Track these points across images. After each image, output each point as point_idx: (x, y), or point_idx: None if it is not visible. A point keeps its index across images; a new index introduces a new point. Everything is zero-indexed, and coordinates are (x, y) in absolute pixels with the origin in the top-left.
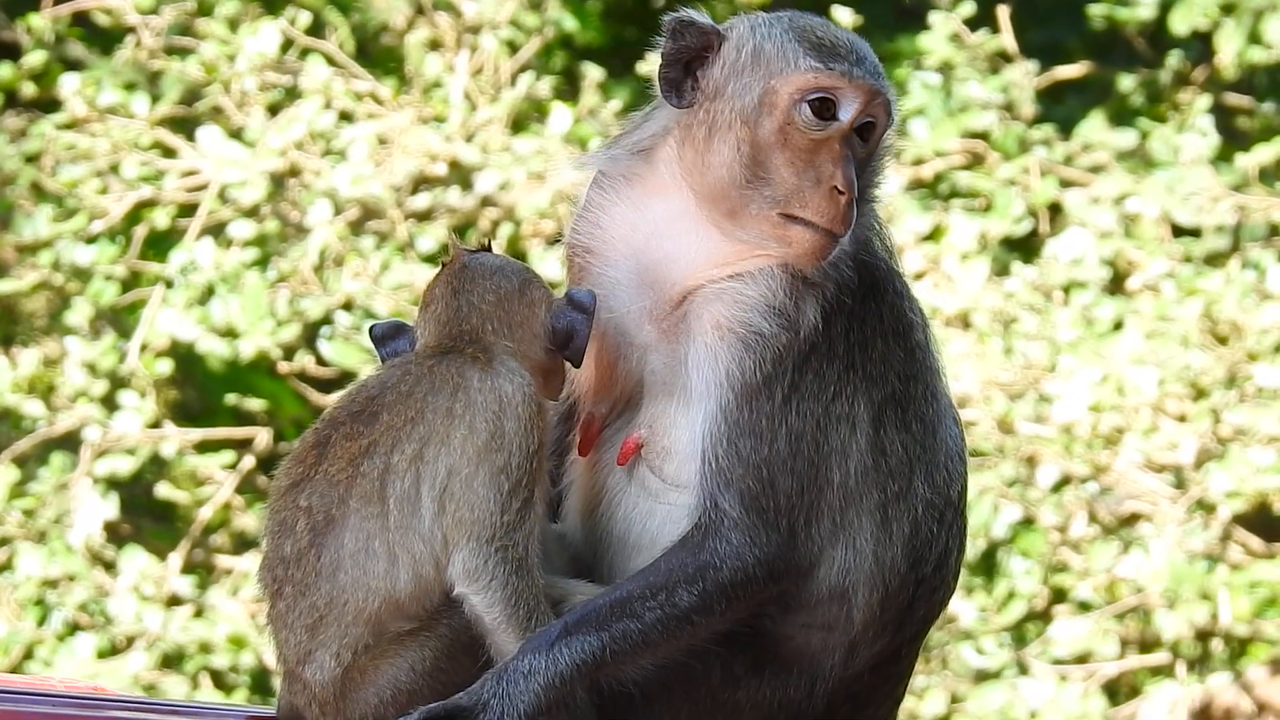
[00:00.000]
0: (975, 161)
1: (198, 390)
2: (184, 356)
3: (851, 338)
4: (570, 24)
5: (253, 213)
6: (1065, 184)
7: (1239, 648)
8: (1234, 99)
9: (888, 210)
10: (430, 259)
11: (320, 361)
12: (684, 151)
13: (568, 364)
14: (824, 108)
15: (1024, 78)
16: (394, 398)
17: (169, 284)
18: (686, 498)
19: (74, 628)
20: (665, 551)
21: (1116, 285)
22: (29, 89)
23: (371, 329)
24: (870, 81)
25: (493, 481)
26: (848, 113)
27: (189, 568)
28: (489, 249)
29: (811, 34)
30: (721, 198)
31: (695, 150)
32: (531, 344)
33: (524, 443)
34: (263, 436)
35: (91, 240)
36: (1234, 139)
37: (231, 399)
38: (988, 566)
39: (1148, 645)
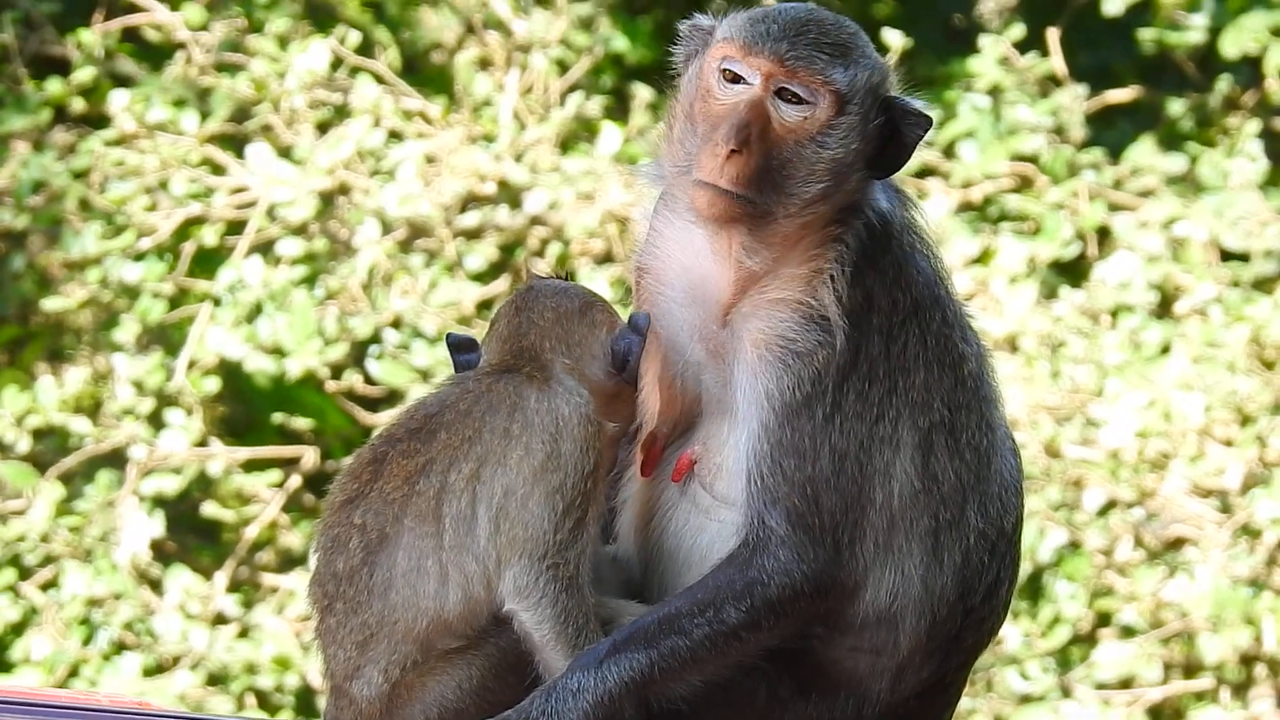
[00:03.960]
0: (1024, 185)
1: (244, 408)
2: (231, 374)
3: (892, 362)
4: (620, 43)
5: (301, 231)
6: (1114, 208)
7: None
8: None
9: (938, 234)
10: (479, 278)
11: (368, 380)
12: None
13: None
14: (734, 78)
15: (1073, 101)
16: (452, 416)
17: (217, 301)
18: (736, 515)
19: (120, 647)
20: (713, 568)
21: (1164, 309)
22: (78, 104)
23: (449, 337)
24: (778, 52)
25: (547, 501)
26: (755, 78)
27: (234, 586)
28: (562, 277)
29: (761, 15)
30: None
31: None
32: (590, 364)
33: (580, 463)
34: (309, 455)
35: (139, 257)
36: None
37: (278, 418)
38: (1033, 590)
39: (1192, 670)
